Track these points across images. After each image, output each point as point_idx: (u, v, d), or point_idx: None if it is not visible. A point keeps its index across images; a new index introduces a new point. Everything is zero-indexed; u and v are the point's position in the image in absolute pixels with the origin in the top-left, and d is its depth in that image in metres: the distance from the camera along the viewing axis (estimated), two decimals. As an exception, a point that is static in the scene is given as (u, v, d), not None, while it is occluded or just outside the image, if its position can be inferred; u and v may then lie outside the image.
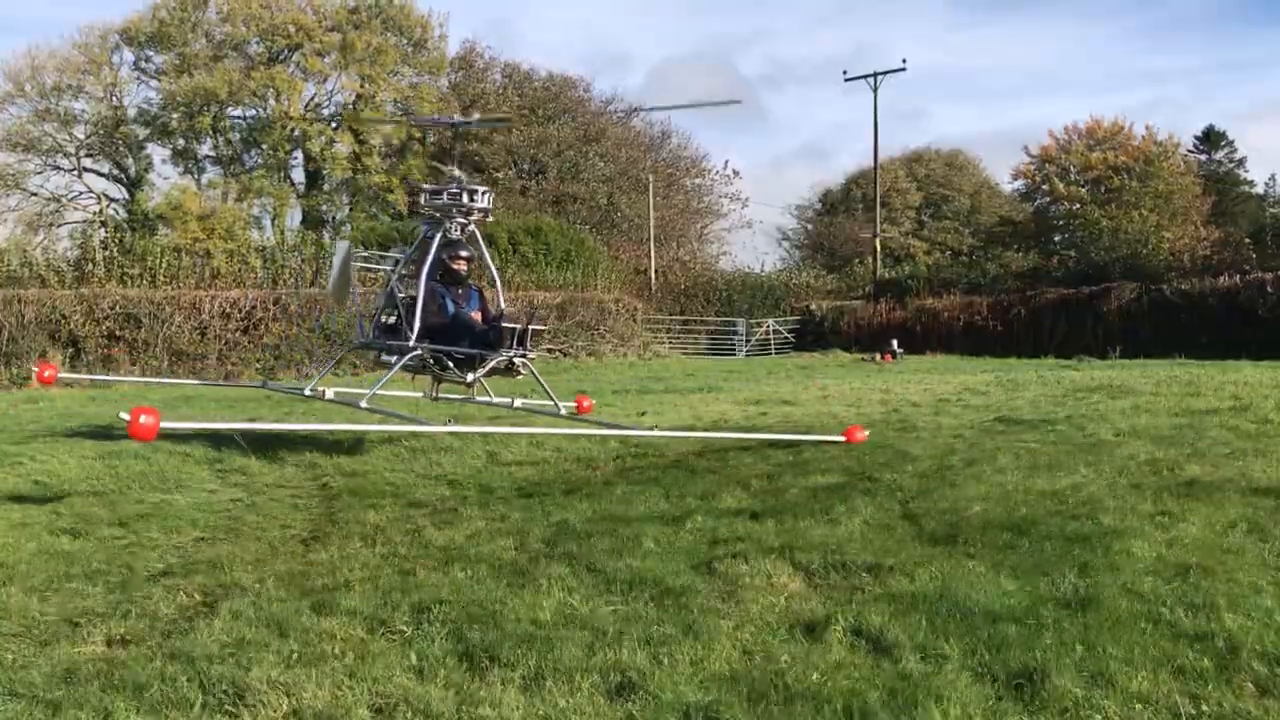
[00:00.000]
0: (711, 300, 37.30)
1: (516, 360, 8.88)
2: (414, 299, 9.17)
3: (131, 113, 44.14)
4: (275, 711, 3.51)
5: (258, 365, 21.76)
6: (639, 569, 5.01)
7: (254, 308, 22.07)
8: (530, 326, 8.77)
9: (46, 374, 11.23)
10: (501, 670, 3.81)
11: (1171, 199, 45.97)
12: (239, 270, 24.83)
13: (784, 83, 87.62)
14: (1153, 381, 15.35)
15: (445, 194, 9.29)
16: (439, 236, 9.26)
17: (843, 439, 9.05)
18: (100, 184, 45.14)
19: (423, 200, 9.59)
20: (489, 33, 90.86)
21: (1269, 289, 23.76)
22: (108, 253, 23.73)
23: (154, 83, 44.15)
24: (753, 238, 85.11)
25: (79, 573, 5.22)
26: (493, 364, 8.89)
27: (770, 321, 35.70)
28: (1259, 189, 54.70)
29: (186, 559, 5.54)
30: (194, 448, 9.59)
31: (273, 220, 44.23)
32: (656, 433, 9.39)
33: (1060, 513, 6.07)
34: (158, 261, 23.43)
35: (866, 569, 4.99)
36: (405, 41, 45.27)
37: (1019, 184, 56.33)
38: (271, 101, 43.40)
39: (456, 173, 9.67)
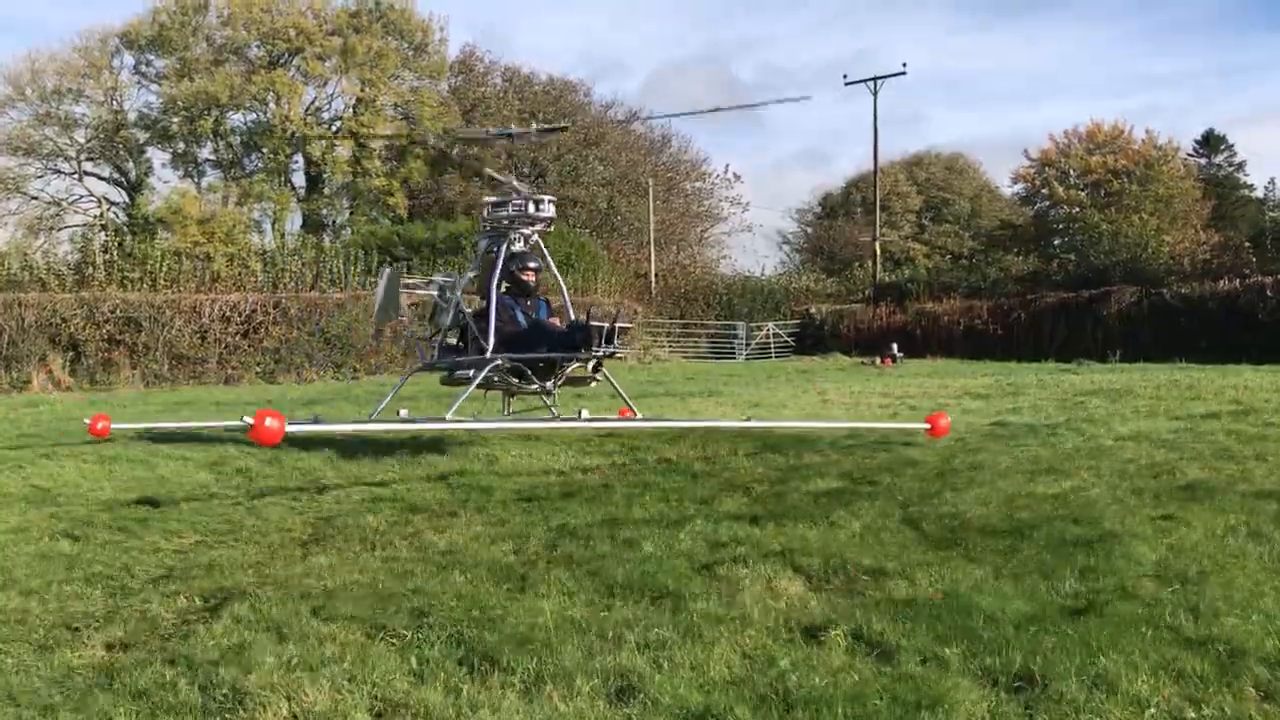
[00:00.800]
0: (711, 304, 37.31)
1: (594, 364, 8.74)
2: (479, 314, 9.06)
3: (132, 116, 44.21)
4: (275, 715, 3.50)
5: (258, 369, 21.76)
6: (639, 573, 5.00)
7: (254, 311, 22.07)
8: (616, 324, 8.58)
9: (100, 426, 9.75)
10: (501, 674, 3.80)
11: (1171, 203, 46.01)
12: (239, 274, 24.83)
13: (782, 88, 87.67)
14: (1153, 385, 15.35)
15: (510, 205, 9.18)
16: (504, 248, 9.14)
17: (925, 427, 8.97)
18: (100, 188, 45.22)
19: (485, 214, 9.48)
20: (483, 40, 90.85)
21: (1269, 293, 23.75)
22: (108, 256, 23.72)
23: (154, 86, 44.24)
24: (753, 241, 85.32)
25: (78, 577, 5.21)
26: (570, 370, 8.78)
27: (770, 325, 35.71)
28: (1259, 193, 54.79)
29: (186, 563, 5.53)
30: (193, 451, 9.59)
31: (273, 224, 44.29)
32: (753, 423, 9.39)
33: (1061, 516, 6.07)
34: (158, 265, 23.43)
35: (867, 573, 4.98)
36: (406, 45, 45.30)
37: (1019, 188, 56.46)
38: (272, 105, 43.44)
39: (517, 184, 9.53)
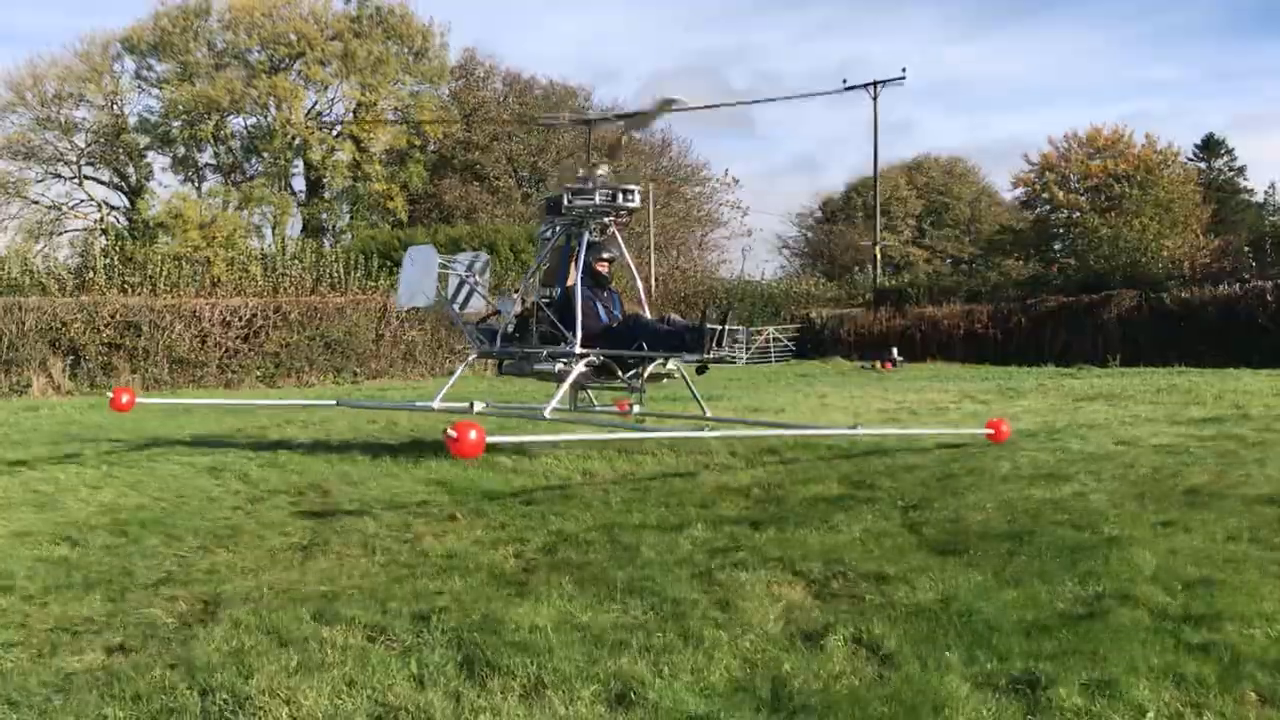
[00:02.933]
0: (711, 308, 37.20)
1: (672, 364, 8.52)
2: (552, 305, 8.82)
3: (132, 121, 44.23)
4: (274, 720, 3.50)
5: (258, 373, 21.76)
6: (639, 578, 5.00)
7: (254, 316, 22.07)
8: (726, 326, 8.29)
9: (124, 399, 9.57)
10: (501, 679, 3.79)
11: (1171, 207, 45.95)
12: (239, 278, 24.82)
13: (775, 93, 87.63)
14: (1153, 390, 15.34)
15: (599, 194, 8.86)
16: (585, 238, 8.87)
17: (988, 433, 8.92)
18: (101, 192, 45.24)
19: (566, 201, 9.00)
20: (482, 44, 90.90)
21: (1269, 297, 23.72)
22: (108, 261, 23.72)
23: (155, 91, 44.25)
24: (752, 246, 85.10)
25: (78, 581, 5.21)
26: (652, 369, 8.55)
27: (770, 329, 35.69)
28: (1259, 198, 54.79)
29: (185, 567, 5.53)
30: (195, 456, 9.59)
31: (273, 228, 44.27)
32: (859, 430, 9.23)
33: (1061, 522, 6.07)
34: (158, 269, 23.43)
35: (867, 577, 4.98)
36: (406, 50, 45.36)
37: (1019, 192, 56.40)
38: (273, 110, 43.47)
39: (602, 170, 9.18)
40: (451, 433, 5.90)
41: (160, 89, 43.79)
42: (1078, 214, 49.22)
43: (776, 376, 23.36)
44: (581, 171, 9.15)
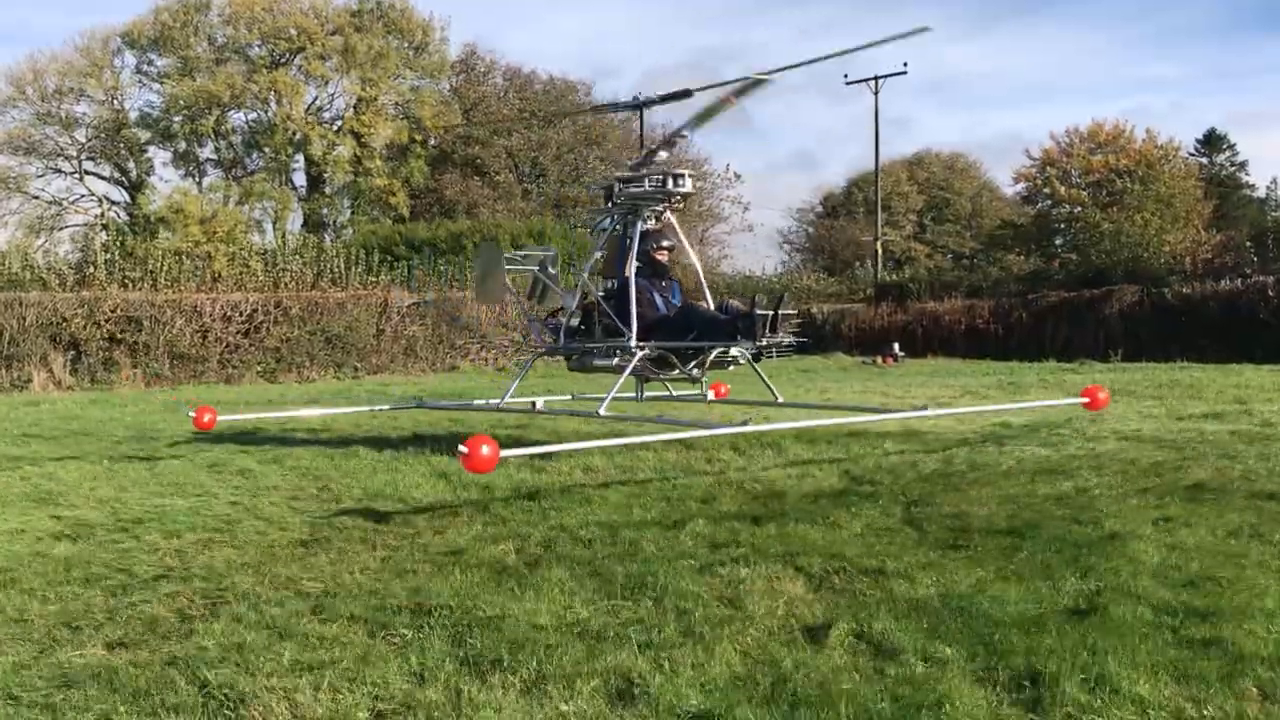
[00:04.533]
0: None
1: (735, 351, 8.29)
2: (609, 296, 8.63)
3: (133, 116, 44.25)
4: (275, 716, 3.50)
5: (259, 368, 21.76)
6: (639, 573, 5.00)
7: (255, 311, 22.05)
8: (781, 311, 8.02)
9: (206, 419, 9.07)
10: (502, 674, 3.79)
11: (1173, 202, 45.91)
12: (240, 274, 24.81)
13: (777, 91, 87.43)
14: (1154, 385, 15.34)
15: (647, 181, 8.65)
16: (639, 226, 8.67)
17: (1084, 400, 9.03)
18: (101, 187, 45.25)
19: (616, 189, 8.83)
20: (482, 39, 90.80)
21: (1270, 292, 23.68)
22: (109, 256, 23.72)
23: (156, 86, 44.28)
24: (753, 241, 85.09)
25: (78, 577, 5.21)
26: (714, 356, 8.34)
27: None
28: (1260, 193, 54.75)
29: (185, 563, 5.52)
30: (195, 451, 9.59)
31: (274, 224, 44.29)
32: (930, 412, 9.20)
33: (1063, 517, 6.07)
34: (159, 265, 23.42)
35: (868, 573, 4.97)
36: (406, 45, 45.33)
37: (1020, 187, 56.37)
38: (273, 105, 43.46)
39: (664, 155, 9.02)
40: (463, 449, 5.76)
41: (161, 84, 43.82)
42: (1079, 209, 49.20)
43: (778, 372, 23.34)
44: (634, 160, 9.00)
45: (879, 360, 27.39)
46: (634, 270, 8.58)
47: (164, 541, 6.00)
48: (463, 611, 4.49)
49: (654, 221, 8.89)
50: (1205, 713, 3.38)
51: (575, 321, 9.08)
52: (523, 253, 10.07)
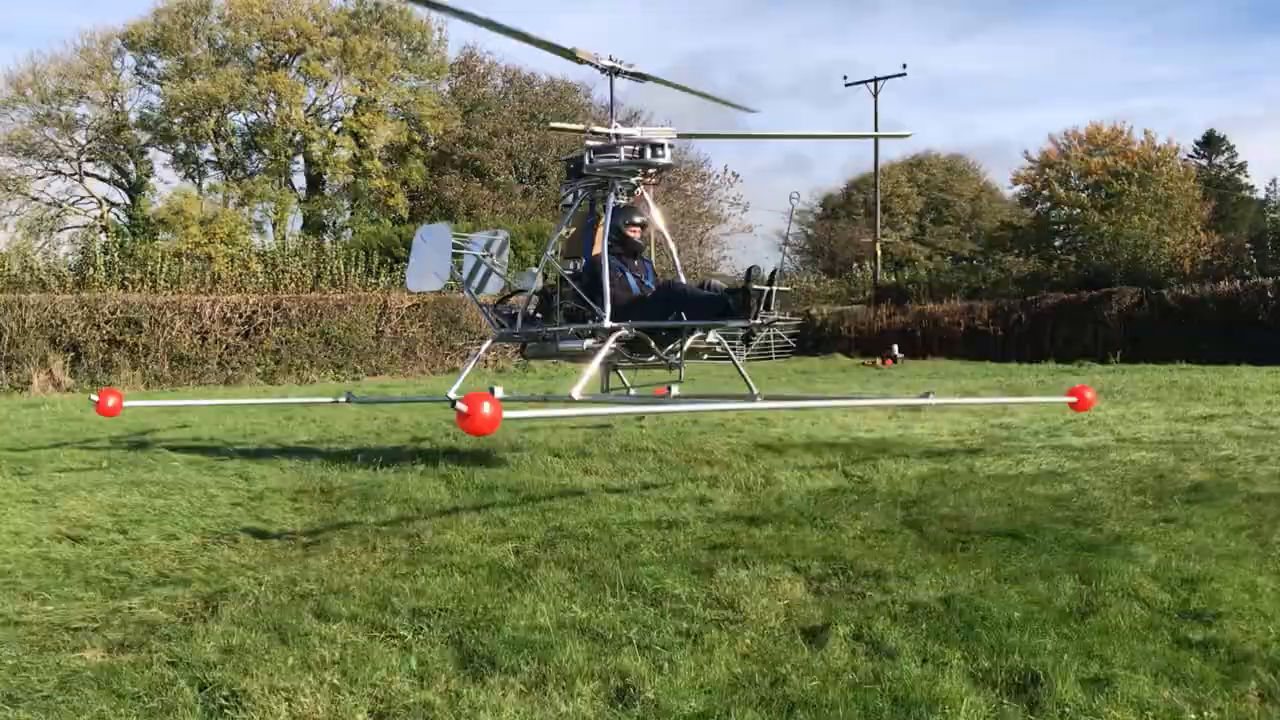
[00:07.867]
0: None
1: (713, 337, 7.73)
2: (577, 277, 8.02)
3: (133, 117, 44.17)
4: (274, 717, 3.50)
5: (258, 370, 21.76)
6: (638, 574, 4.99)
7: (255, 312, 22.07)
8: (775, 287, 7.32)
9: (110, 403, 8.89)
10: (501, 675, 3.79)
11: (1172, 204, 45.95)
12: (240, 275, 24.84)
13: (775, 94, 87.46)
14: (1154, 386, 15.34)
15: (623, 151, 7.99)
16: (610, 201, 8.04)
17: (1071, 401, 8.78)
18: (101, 189, 45.16)
19: (587, 161, 8.17)
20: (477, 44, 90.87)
21: (1269, 294, 23.70)
22: (108, 257, 23.72)
23: (156, 87, 44.20)
24: (753, 242, 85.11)
25: (77, 578, 5.21)
26: (690, 342, 7.76)
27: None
28: (1259, 194, 54.75)
29: (185, 564, 5.52)
30: (193, 454, 9.59)
31: (274, 225, 44.24)
32: (932, 400, 9.14)
33: (1062, 519, 6.07)
34: (158, 266, 23.43)
35: (867, 574, 4.97)
36: (405, 46, 45.31)
37: (1019, 189, 56.36)
38: (273, 106, 43.44)
39: (620, 129, 8.33)
40: (462, 407, 4.98)
41: (161, 85, 43.76)
42: (1078, 211, 49.22)
43: (776, 373, 23.34)
44: (606, 128, 8.32)
45: (878, 362, 27.39)
46: (605, 247, 8.02)
47: (164, 543, 6.00)
48: (462, 612, 4.49)
49: (627, 196, 8.30)
50: (1205, 714, 3.39)
51: (533, 307, 8.50)
52: (478, 235, 9.39)
